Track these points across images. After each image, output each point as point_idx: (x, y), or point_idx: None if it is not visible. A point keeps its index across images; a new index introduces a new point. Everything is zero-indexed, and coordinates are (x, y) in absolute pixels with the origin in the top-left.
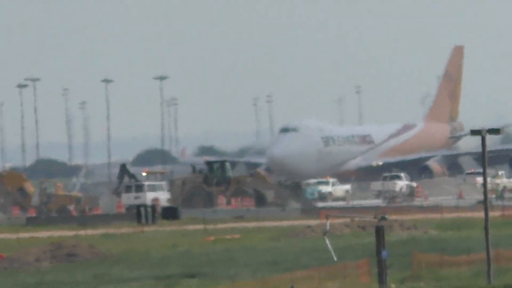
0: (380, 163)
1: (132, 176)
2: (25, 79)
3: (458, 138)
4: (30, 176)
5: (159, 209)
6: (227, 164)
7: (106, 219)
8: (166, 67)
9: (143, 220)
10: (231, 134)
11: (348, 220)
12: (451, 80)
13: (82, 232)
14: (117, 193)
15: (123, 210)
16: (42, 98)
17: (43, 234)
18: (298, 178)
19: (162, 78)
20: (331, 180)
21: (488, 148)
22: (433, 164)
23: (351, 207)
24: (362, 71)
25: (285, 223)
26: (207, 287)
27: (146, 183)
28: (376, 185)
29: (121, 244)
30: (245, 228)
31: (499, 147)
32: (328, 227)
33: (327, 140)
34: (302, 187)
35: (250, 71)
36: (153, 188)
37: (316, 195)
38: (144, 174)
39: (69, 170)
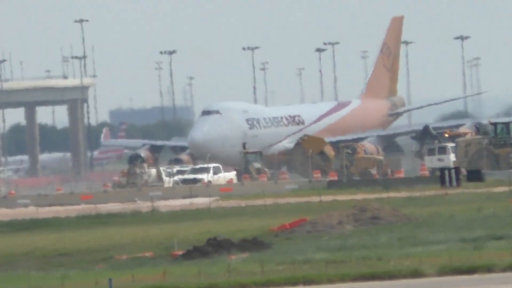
0: None
1: (435, 137)
2: (324, 43)
3: (399, 114)
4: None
5: (463, 171)
6: None
7: (409, 182)
8: (467, 27)
9: (447, 183)
10: None
11: None
12: (390, 54)
13: (384, 195)
14: (419, 155)
15: (426, 173)
16: (341, 62)
17: (345, 197)
18: (222, 163)
19: (463, 38)
20: None
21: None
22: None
23: None
24: None
25: None
26: None
27: (449, 145)
28: None
29: (424, 207)
30: None
31: (439, 124)
32: None
33: (252, 123)
34: None
35: None
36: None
37: None
38: (446, 135)
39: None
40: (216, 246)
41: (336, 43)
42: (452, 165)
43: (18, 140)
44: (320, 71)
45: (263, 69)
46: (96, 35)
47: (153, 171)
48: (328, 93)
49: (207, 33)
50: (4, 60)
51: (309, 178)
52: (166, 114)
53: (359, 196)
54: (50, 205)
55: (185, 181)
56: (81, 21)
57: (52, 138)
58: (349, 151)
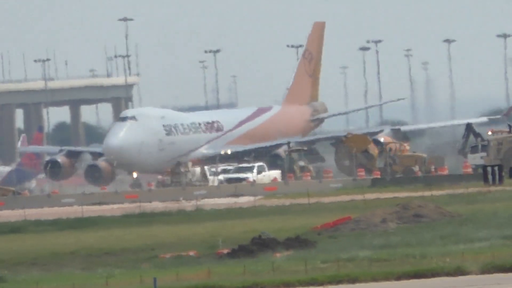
0: (229, 151)
1: (478, 135)
2: (367, 42)
3: (321, 120)
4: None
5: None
6: None
7: (452, 179)
8: (508, 25)
9: (490, 180)
10: None
11: None
12: (312, 59)
13: (427, 193)
14: (463, 153)
15: (469, 171)
16: (385, 60)
17: (389, 195)
18: (138, 170)
19: (505, 36)
20: None
21: (346, 133)
22: (282, 152)
23: None
24: None
25: None
26: None
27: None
28: None
29: (468, 205)
30: None
31: (357, 131)
32: None
33: (170, 129)
34: None
35: None
36: None
37: None
38: (489, 133)
39: (413, 131)
40: (261, 245)
41: (379, 41)
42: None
43: (63, 139)
44: (364, 69)
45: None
46: (140, 34)
47: (198, 170)
48: (373, 92)
49: (250, 31)
50: (48, 59)
51: (353, 176)
52: None
53: (403, 194)
54: (94, 204)
55: (229, 180)
56: (125, 19)
57: (96, 136)
58: (391, 149)
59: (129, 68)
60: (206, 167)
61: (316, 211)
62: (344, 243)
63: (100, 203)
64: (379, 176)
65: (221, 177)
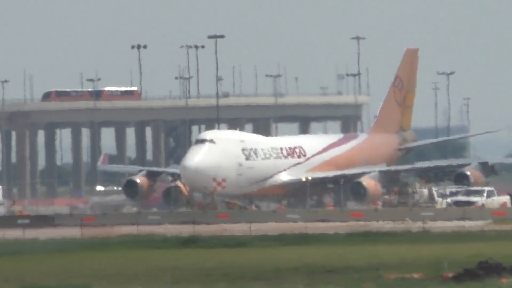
0: (310, 177)
1: None
2: None
3: (409, 150)
4: None
5: None
6: None
7: None
8: None
9: None
10: None
11: None
12: (402, 87)
13: None
14: None
15: None
16: None
17: None
18: (215, 194)
19: None
20: None
21: (431, 164)
22: (367, 180)
23: None
24: None
25: None
26: None
27: None
28: None
29: None
30: None
31: (443, 163)
32: None
33: (249, 153)
34: None
35: None
36: None
37: None
38: None
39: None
40: (487, 270)
41: None
42: None
43: None
44: None
45: None
46: (372, 53)
47: (425, 191)
48: None
49: (484, 53)
50: (279, 75)
51: None
52: (440, 134)
53: None
54: (319, 221)
55: (458, 203)
56: (357, 38)
57: None
58: None
59: (360, 87)
60: (434, 189)
61: None
62: None
63: (324, 220)
64: None
65: (449, 200)
